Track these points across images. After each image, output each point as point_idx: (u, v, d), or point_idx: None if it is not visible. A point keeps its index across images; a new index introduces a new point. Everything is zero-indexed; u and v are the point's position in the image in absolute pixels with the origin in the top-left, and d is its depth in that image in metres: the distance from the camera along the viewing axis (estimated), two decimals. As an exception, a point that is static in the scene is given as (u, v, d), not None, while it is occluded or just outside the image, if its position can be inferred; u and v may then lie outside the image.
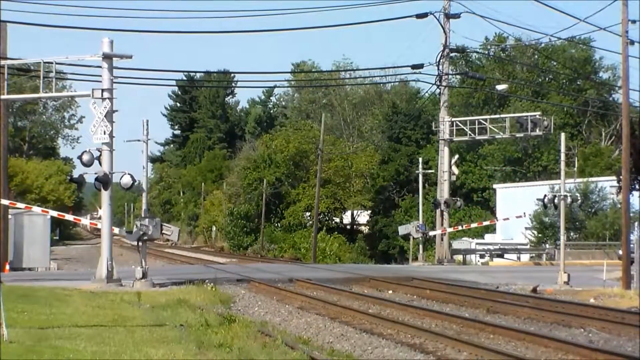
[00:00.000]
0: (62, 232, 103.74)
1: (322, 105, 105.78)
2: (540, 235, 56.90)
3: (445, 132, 49.26)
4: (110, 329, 17.49)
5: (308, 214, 78.76)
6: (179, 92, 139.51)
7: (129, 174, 29.44)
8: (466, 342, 17.13)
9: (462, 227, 55.32)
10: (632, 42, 32.66)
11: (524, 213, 50.05)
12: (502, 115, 54.08)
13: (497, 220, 57.62)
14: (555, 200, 35.09)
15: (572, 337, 18.78)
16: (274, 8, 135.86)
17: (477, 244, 54.01)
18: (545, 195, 35.76)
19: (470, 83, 69.43)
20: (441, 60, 47.53)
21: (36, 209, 41.32)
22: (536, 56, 78.23)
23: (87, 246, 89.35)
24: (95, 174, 29.26)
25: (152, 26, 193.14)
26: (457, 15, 47.28)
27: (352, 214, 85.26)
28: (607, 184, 54.62)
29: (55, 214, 38.53)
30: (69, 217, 41.99)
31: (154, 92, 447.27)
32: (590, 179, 57.65)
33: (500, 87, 65.55)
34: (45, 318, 19.10)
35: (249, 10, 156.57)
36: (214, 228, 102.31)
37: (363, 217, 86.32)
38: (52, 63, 30.05)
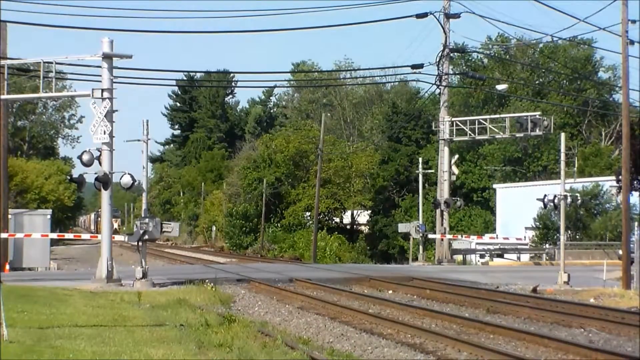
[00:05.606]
0: (62, 232, 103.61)
1: (322, 105, 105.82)
2: (542, 236, 56.79)
3: (445, 132, 49.26)
4: (110, 329, 17.48)
5: (308, 214, 78.71)
6: (179, 92, 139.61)
7: (129, 174, 29.41)
8: (466, 342, 17.12)
9: (461, 236, 55.41)
10: (632, 42, 32.72)
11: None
12: (502, 115, 54.03)
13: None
14: (556, 201, 35.03)
15: (572, 337, 18.78)
16: (274, 8, 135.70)
17: (477, 243, 53.90)
18: (545, 195, 35.69)
19: (470, 83, 69.41)
20: (441, 60, 47.55)
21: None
22: (536, 55, 78.21)
23: (87, 246, 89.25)
24: (95, 174, 29.22)
25: (152, 26, 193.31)
26: (457, 15, 47.28)
27: (352, 214, 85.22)
28: (609, 184, 54.47)
29: (55, 235, 38.63)
30: (69, 235, 42.18)
31: (154, 92, 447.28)
32: (598, 180, 57.43)
33: (500, 87, 65.49)
34: (45, 318, 19.08)
35: (249, 10, 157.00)
36: (213, 228, 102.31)
37: (363, 217, 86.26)
38: (52, 63, 30.00)
